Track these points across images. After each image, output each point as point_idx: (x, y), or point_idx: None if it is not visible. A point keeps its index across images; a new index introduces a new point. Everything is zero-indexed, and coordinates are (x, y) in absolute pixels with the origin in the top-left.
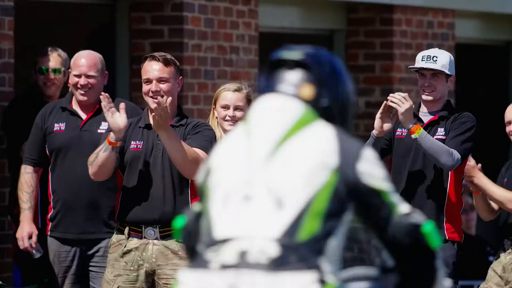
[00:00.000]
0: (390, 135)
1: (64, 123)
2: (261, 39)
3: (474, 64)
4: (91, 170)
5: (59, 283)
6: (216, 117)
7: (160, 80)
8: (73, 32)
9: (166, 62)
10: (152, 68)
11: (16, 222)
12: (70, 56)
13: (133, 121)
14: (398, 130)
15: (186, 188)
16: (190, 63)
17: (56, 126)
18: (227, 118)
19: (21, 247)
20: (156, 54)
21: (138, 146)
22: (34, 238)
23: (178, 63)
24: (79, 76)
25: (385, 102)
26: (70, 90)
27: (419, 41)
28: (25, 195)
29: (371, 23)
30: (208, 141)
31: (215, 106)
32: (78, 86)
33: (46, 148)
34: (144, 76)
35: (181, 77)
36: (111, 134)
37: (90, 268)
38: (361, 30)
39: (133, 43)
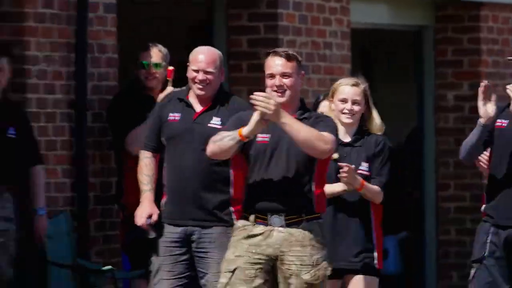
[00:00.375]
0: (491, 126)
1: (179, 114)
2: (353, 35)
3: None
4: (211, 148)
5: (167, 269)
6: (333, 110)
7: (283, 75)
8: (172, 29)
9: (288, 57)
10: (275, 63)
11: (123, 211)
12: (170, 52)
13: None
14: (498, 120)
15: (310, 179)
16: None
17: (171, 116)
18: (345, 111)
19: (138, 224)
20: (278, 49)
21: (265, 139)
22: (155, 217)
23: (300, 58)
24: (197, 71)
25: (482, 86)
26: (188, 83)
27: (505, 36)
28: (145, 178)
29: (459, 20)
30: (331, 128)
31: (333, 99)
32: (196, 80)
33: (161, 137)
34: (267, 71)
35: (303, 71)
36: (245, 128)
37: (197, 254)
38: (449, 27)
39: (230, 39)
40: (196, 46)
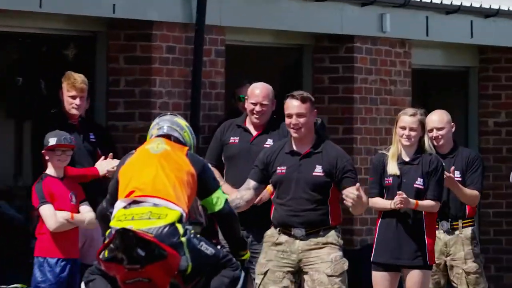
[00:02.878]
0: None
1: (238, 137)
2: (413, 74)
3: None
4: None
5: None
6: (396, 135)
7: (298, 115)
8: (267, 70)
9: (303, 100)
10: (292, 105)
11: None
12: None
13: (278, 147)
14: None
15: (325, 201)
16: (359, 92)
17: (232, 139)
18: (404, 136)
19: None
20: (295, 92)
21: (282, 171)
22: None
23: (312, 99)
24: (255, 104)
25: None
26: (244, 112)
27: None
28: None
29: (497, 61)
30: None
31: (396, 125)
32: (254, 112)
33: (222, 156)
34: (286, 112)
35: (315, 110)
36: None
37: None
38: (490, 67)
39: (315, 77)
40: (289, 83)
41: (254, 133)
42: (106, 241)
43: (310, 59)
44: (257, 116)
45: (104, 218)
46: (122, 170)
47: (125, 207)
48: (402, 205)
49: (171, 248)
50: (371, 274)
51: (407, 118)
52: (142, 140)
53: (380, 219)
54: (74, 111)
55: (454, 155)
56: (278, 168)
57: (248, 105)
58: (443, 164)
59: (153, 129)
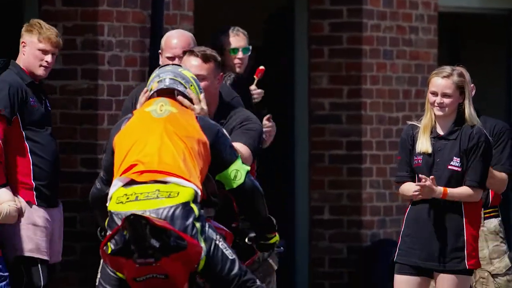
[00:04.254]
0: None
1: None
2: (441, 19)
3: None
4: None
5: None
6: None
7: (200, 77)
8: (250, 14)
9: (205, 59)
10: (191, 64)
11: None
12: (251, 36)
13: None
14: None
15: None
16: (369, 43)
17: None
18: (436, 104)
19: None
20: (195, 48)
21: None
22: None
23: (219, 59)
24: (173, 58)
25: None
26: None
27: None
28: None
29: None
30: (250, 136)
31: (428, 89)
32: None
33: None
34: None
35: (221, 73)
36: None
37: None
38: None
39: (311, 24)
40: (277, 32)
41: None
42: (110, 232)
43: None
44: None
45: (100, 203)
46: (117, 138)
47: (125, 185)
48: (420, 195)
49: (190, 236)
50: (387, 277)
51: (438, 81)
52: (85, 104)
53: (409, 209)
54: (41, 71)
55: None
56: None
57: (163, 61)
58: (489, 139)
59: (153, 83)
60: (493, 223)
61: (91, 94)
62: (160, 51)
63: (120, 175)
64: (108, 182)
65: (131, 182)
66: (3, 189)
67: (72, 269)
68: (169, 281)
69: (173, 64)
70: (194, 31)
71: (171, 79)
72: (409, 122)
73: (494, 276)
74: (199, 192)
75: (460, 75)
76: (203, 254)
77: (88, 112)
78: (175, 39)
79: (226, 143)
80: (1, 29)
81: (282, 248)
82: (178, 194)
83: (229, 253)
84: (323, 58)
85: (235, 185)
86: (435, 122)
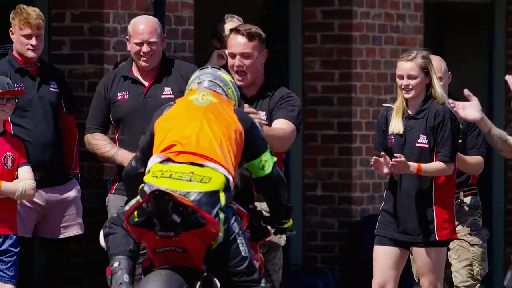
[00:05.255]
0: None
1: (127, 92)
2: (426, 7)
3: None
4: None
5: None
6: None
7: (243, 55)
8: (247, 2)
9: (250, 36)
10: (237, 42)
11: None
12: (248, 23)
13: None
14: None
15: None
16: (359, 29)
17: (119, 95)
18: (403, 87)
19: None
20: (240, 27)
21: None
22: None
23: (263, 36)
24: (141, 44)
25: None
26: (129, 57)
27: None
28: (107, 146)
29: None
30: (293, 113)
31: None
32: (141, 53)
33: (111, 118)
34: (228, 50)
35: (266, 49)
36: None
37: None
38: None
39: (305, 11)
40: (273, 19)
41: (146, 83)
42: (136, 203)
43: None
44: (145, 59)
45: (131, 180)
46: (158, 122)
47: (162, 162)
48: (392, 170)
49: (210, 215)
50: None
51: (404, 64)
52: (92, 87)
53: (388, 186)
54: (30, 54)
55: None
56: None
57: (132, 47)
58: (455, 116)
59: (192, 84)
60: (472, 199)
61: (97, 78)
62: (127, 37)
63: (159, 153)
64: (142, 162)
65: (168, 160)
66: (25, 167)
67: (77, 243)
68: (186, 255)
69: (212, 67)
70: (194, 18)
71: (210, 81)
72: (385, 105)
73: (472, 245)
74: (231, 179)
75: (424, 57)
76: (220, 234)
77: (94, 94)
78: (141, 24)
79: (258, 135)
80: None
81: (294, 232)
82: (210, 180)
83: (244, 250)
84: (316, 43)
85: (262, 175)
86: (406, 103)
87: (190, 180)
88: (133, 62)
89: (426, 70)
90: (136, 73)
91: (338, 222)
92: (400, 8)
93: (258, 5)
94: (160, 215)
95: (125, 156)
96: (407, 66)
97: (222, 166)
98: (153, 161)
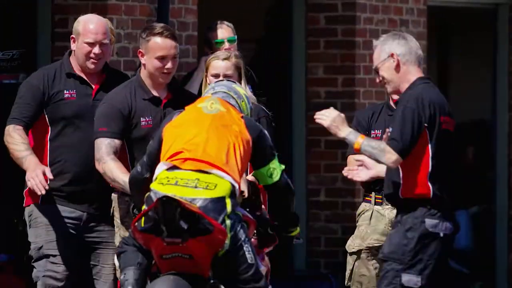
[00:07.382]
0: None
1: (74, 91)
2: (430, 12)
3: None
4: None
5: None
6: (208, 84)
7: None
8: (249, 8)
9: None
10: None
11: None
12: (249, 29)
13: None
14: None
15: None
16: (362, 35)
17: (66, 93)
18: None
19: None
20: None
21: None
22: (48, 171)
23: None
24: (93, 44)
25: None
26: (65, 55)
27: None
28: (23, 145)
29: None
30: None
31: (207, 74)
32: (92, 55)
33: (47, 115)
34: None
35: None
36: None
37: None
38: None
39: (308, 17)
40: (276, 25)
41: (93, 85)
42: (144, 209)
43: None
44: (95, 61)
45: (137, 185)
46: (167, 128)
47: (168, 169)
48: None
49: (217, 221)
50: None
51: (219, 63)
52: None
53: None
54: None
55: None
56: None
57: (81, 46)
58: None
59: (207, 94)
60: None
61: None
62: (72, 36)
63: (166, 160)
64: (149, 167)
65: (175, 167)
66: None
67: None
68: (193, 261)
69: (228, 80)
70: (198, 24)
71: (224, 92)
72: None
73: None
74: (237, 186)
75: (237, 57)
76: (226, 242)
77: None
78: (94, 24)
79: (267, 143)
80: (14, 23)
81: (301, 240)
82: (215, 186)
83: (250, 257)
84: (319, 49)
85: (270, 183)
86: None
87: (196, 187)
88: (72, 60)
89: (239, 70)
90: (79, 72)
91: (341, 228)
92: (404, 14)
93: (262, 11)
94: (168, 221)
95: (32, 163)
96: (223, 65)
97: (228, 173)
98: (160, 169)
